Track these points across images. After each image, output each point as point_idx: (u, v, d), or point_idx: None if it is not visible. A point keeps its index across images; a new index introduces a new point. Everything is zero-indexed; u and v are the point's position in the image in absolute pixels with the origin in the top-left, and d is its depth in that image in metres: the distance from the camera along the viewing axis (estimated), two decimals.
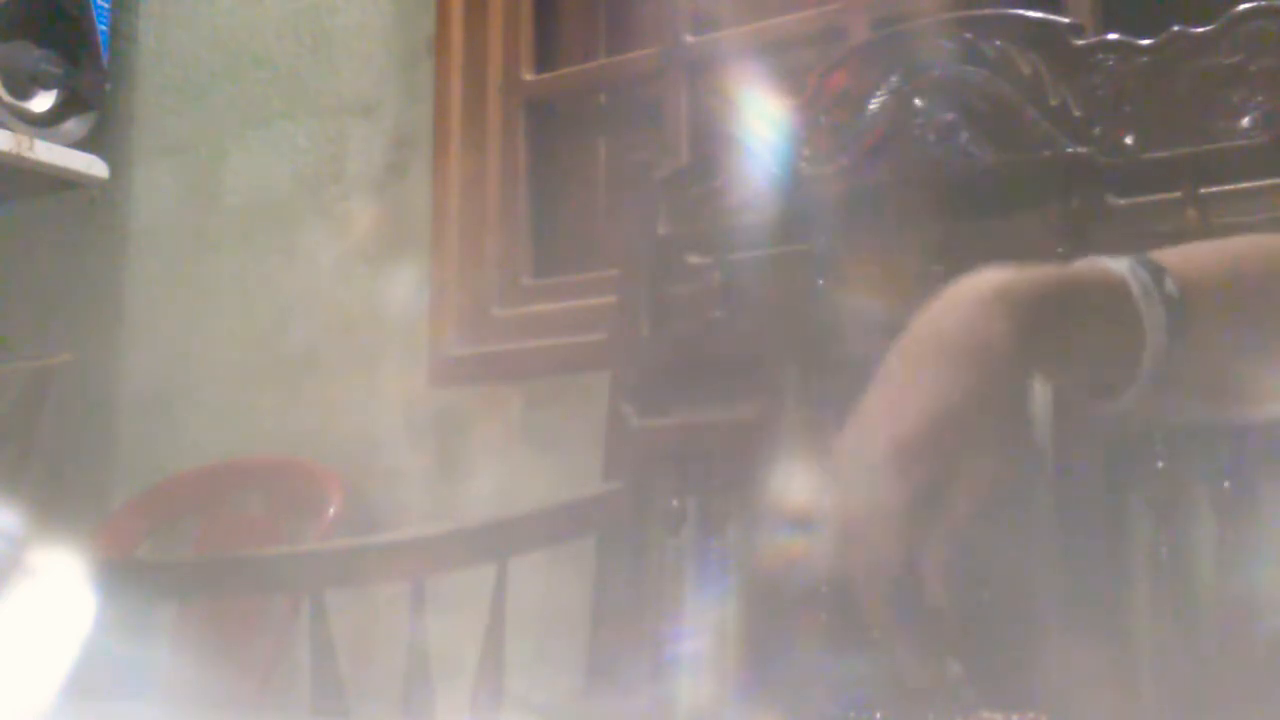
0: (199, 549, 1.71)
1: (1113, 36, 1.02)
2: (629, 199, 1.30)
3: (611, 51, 1.74)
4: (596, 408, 1.25)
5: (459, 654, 1.10)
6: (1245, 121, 0.95)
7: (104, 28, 1.95)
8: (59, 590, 0.94)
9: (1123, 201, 1.01)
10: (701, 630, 1.09)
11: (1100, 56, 1.01)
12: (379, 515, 1.65)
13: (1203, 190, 0.98)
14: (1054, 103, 1.02)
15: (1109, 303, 0.54)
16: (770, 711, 0.99)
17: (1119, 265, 0.56)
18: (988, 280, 0.54)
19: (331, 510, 1.58)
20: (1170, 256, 0.57)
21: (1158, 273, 0.56)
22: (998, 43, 1.05)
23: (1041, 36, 1.04)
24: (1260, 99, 0.94)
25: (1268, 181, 0.98)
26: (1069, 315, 0.54)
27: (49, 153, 1.86)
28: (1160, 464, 0.94)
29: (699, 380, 1.20)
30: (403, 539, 1.24)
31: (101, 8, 1.95)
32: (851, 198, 1.12)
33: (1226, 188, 0.99)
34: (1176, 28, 0.98)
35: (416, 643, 1.04)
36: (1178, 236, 0.97)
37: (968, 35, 1.07)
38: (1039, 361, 0.53)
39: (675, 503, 1.17)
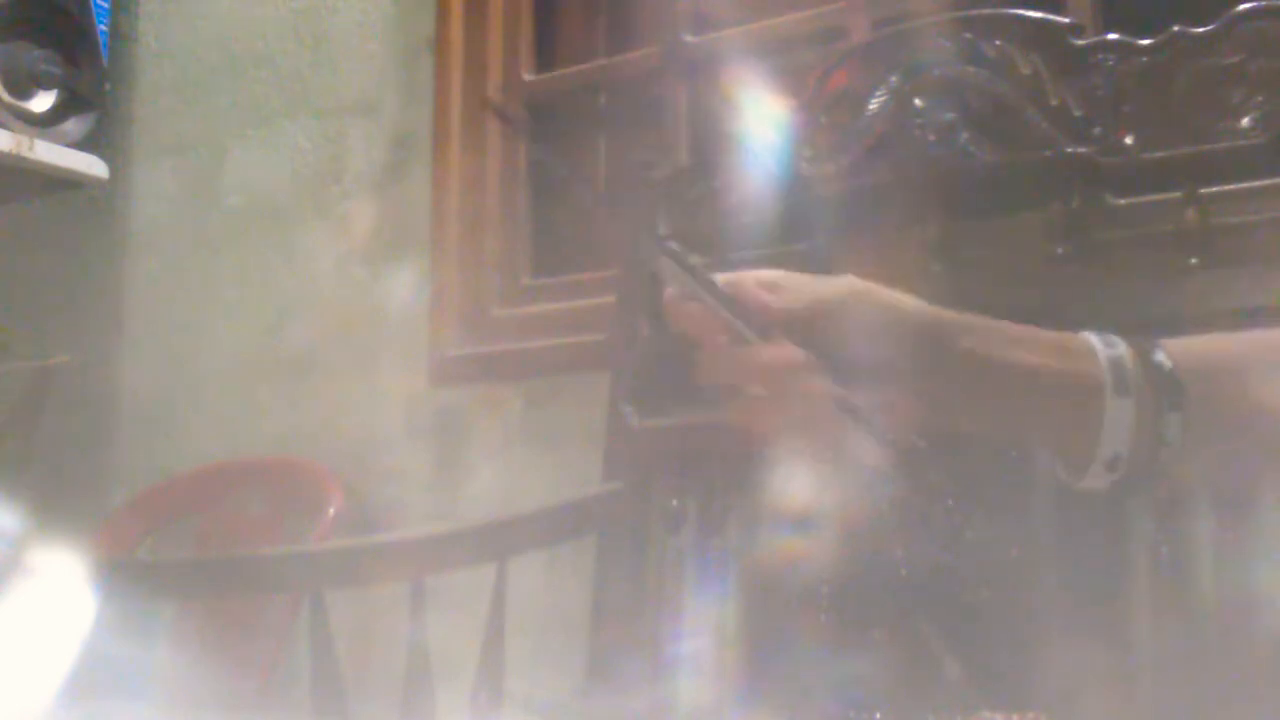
0: (199, 549, 1.71)
1: (1113, 36, 1.01)
2: (628, 198, 1.30)
3: (611, 51, 1.74)
4: (596, 408, 1.25)
5: (459, 654, 1.10)
6: (1245, 121, 0.94)
7: (104, 28, 1.95)
8: (59, 590, 0.94)
9: (1123, 201, 1.01)
10: (701, 630, 1.09)
11: (1100, 56, 1.01)
12: (379, 515, 1.65)
13: (1203, 190, 0.98)
14: (1054, 103, 1.02)
15: (1074, 392, 0.54)
16: (770, 711, 0.99)
17: (1105, 348, 0.56)
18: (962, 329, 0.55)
19: (331, 510, 1.58)
20: (1172, 344, 0.57)
21: (1146, 352, 0.55)
22: (998, 43, 1.05)
23: (1041, 36, 1.04)
24: (1260, 99, 0.94)
25: (1268, 181, 0.97)
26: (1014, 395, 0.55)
27: (49, 153, 1.86)
28: None
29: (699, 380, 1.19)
30: (403, 539, 1.24)
31: (101, 8, 1.95)
32: (851, 198, 1.12)
33: (1226, 188, 0.99)
34: (1176, 28, 0.98)
35: (416, 643, 1.04)
36: (1178, 236, 0.97)
37: (968, 35, 1.07)
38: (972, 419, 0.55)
39: (675, 503, 1.17)
